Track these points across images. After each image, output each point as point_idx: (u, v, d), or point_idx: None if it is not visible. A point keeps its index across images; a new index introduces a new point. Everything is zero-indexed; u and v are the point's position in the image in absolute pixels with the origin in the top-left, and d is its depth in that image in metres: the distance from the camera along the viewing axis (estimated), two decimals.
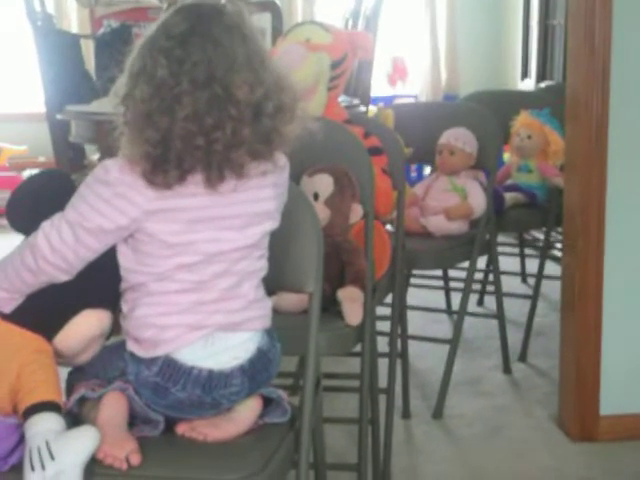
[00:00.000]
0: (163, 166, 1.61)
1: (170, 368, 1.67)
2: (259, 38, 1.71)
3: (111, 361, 1.74)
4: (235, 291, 1.72)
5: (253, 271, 1.75)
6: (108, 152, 3.68)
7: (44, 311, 1.73)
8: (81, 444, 1.56)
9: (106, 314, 1.76)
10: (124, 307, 1.73)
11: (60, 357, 1.75)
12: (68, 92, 4.38)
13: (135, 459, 1.60)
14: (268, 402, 1.80)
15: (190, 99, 1.60)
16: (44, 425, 1.58)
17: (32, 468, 1.53)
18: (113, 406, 1.66)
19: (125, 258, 1.70)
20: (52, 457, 1.53)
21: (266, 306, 1.80)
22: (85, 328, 1.74)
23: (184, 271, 1.67)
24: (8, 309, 1.72)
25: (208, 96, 1.61)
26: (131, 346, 1.70)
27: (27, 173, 6.87)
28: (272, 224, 1.76)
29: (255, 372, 1.73)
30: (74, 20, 7.04)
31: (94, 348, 1.77)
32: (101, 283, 1.75)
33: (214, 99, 1.61)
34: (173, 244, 1.66)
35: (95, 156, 4.80)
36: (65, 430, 1.59)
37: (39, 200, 1.79)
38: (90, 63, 4.84)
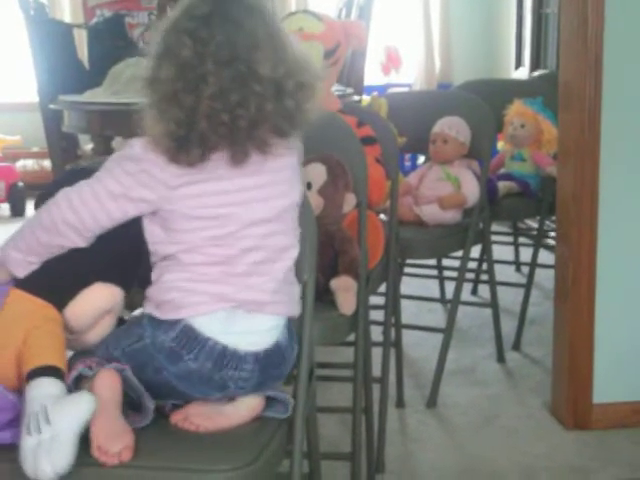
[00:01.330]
0: (187, 145, 1.65)
1: (187, 335, 1.67)
2: (278, 19, 1.76)
3: (128, 332, 1.73)
4: (264, 268, 1.73)
5: (283, 248, 1.76)
6: (101, 141, 3.69)
7: (57, 280, 1.74)
8: (78, 410, 1.56)
9: (118, 291, 1.76)
10: (153, 276, 1.74)
11: (68, 331, 1.75)
12: (61, 82, 4.37)
13: (127, 455, 1.59)
14: (271, 398, 1.79)
15: (215, 78, 1.65)
16: (44, 389, 1.59)
17: (28, 431, 1.54)
18: (107, 387, 1.65)
19: (153, 234, 1.73)
20: (48, 421, 1.53)
21: (294, 292, 1.80)
22: (96, 300, 1.74)
23: (212, 245, 1.70)
24: (21, 272, 1.74)
25: (232, 74, 1.65)
26: (152, 310, 1.70)
27: (21, 163, 6.88)
28: (291, 200, 1.79)
29: (268, 364, 1.73)
30: (67, 9, 7.04)
31: (103, 326, 1.77)
32: (117, 262, 1.76)
33: (238, 77, 1.66)
34: (199, 217, 1.69)
35: (89, 146, 4.80)
36: (64, 396, 1.59)
37: None
38: (83, 52, 4.83)
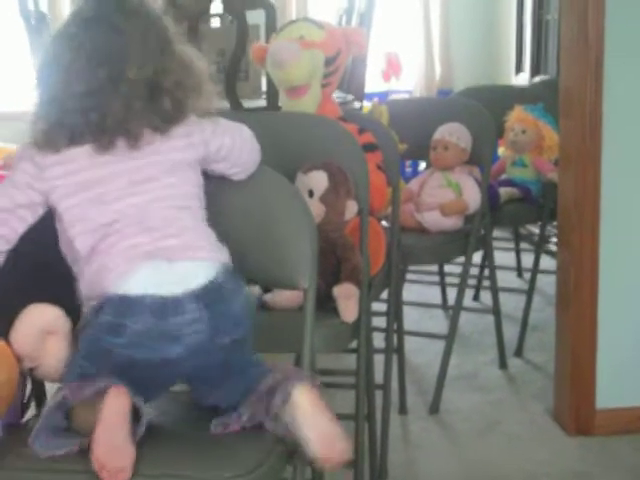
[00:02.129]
0: (54, 137, 1.77)
1: (120, 304, 1.68)
2: (162, 23, 1.86)
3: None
4: (165, 220, 1.77)
5: (178, 198, 1.81)
6: None
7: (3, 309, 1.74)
8: None
9: (51, 309, 1.74)
10: (79, 286, 1.77)
11: (21, 361, 1.74)
12: None
13: (124, 476, 1.57)
14: None
15: (86, 78, 1.76)
16: None
17: None
18: (116, 406, 1.61)
19: (62, 238, 1.80)
20: None
21: (209, 237, 1.81)
22: (30, 321, 1.73)
23: (100, 217, 1.76)
24: None
25: (102, 75, 1.76)
26: (86, 303, 1.74)
27: None
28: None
29: (211, 301, 1.71)
30: None
31: (53, 349, 1.74)
32: (55, 289, 1.77)
33: (108, 78, 1.76)
34: (75, 192, 1.77)
35: None
36: None
37: None
38: None
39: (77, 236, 1.76)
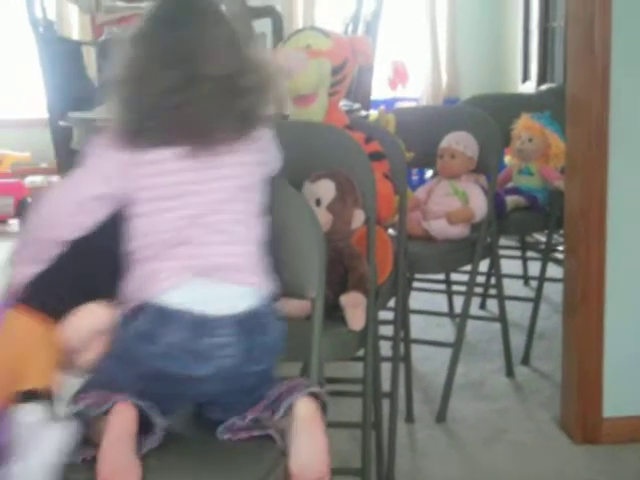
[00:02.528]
0: (136, 138, 1.73)
1: (159, 313, 1.68)
2: (233, 22, 1.83)
3: (109, 347, 1.74)
4: (227, 239, 1.76)
5: (243, 224, 1.79)
6: None
7: (53, 299, 1.75)
8: (52, 441, 1.56)
9: (111, 312, 1.75)
10: (124, 285, 1.76)
11: (62, 352, 1.75)
12: (70, 98, 4.39)
13: None
14: None
15: (162, 77, 1.73)
16: (25, 417, 1.59)
17: (13, 459, 1.55)
18: (121, 420, 1.62)
19: (126, 242, 1.77)
20: (23, 452, 1.54)
21: (261, 266, 1.79)
22: (89, 319, 1.74)
23: (169, 225, 1.74)
24: (20, 277, 1.77)
25: (179, 74, 1.73)
26: (126, 305, 1.73)
27: (30, 179, 6.90)
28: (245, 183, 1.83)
29: (251, 329, 1.71)
30: (75, 27, 7.06)
31: (95, 348, 1.75)
32: (111, 284, 1.76)
33: (185, 77, 1.73)
34: (152, 198, 1.74)
35: None
36: (44, 424, 1.59)
37: None
38: (92, 70, 4.86)
39: (142, 237, 1.74)
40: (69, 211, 1.76)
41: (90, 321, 1.74)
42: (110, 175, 1.74)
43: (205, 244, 1.73)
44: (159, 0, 1.84)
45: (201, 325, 1.67)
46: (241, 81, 1.77)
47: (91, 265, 1.79)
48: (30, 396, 1.62)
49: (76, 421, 1.60)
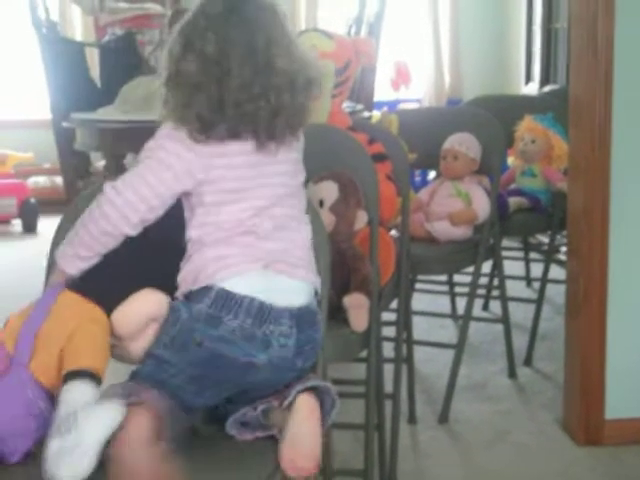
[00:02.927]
0: (211, 130, 1.76)
1: (223, 298, 1.71)
2: (287, 19, 1.87)
3: (165, 326, 1.75)
4: (286, 236, 1.82)
5: (297, 220, 1.86)
6: (113, 159, 3.71)
7: (107, 284, 1.79)
8: (104, 419, 1.57)
9: (162, 297, 1.78)
10: (185, 261, 1.79)
11: (114, 337, 1.77)
12: (73, 99, 4.41)
13: None
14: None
15: (238, 71, 1.76)
16: (76, 394, 1.61)
17: (55, 434, 1.56)
18: (136, 426, 1.60)
19: (191, 217, 1.81)
20: (75, 427, 1.55)
21: (313, 263, 1.87)
22: (142, 306, 1.77)
23: (239, 215, 1.78)
24: (72, 268, 1.81)
25: (253, 68, 1.76)
26: (186, 287, 1.76)
27: (33, 180, 6.91)
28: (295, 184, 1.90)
29: (303, 322, 1.77)
30: (78, 28, 7.08)
31: (147, 337, 1.78)
32: (165, 271, 1.80)
33: (258, 70, 1.77)
34: (227, 190, 1.78)
35: (100, 163, 4.83)
36: (94, 402, 1.60)
37: None
38: (95, 70, 4.87)
39: (206, 225, 1.77)
40: (151, 205, 1.78)
41: (143, 307, 1.77)
42: (192, 169, 1.77)
43: (269, 237, 1.78)
44: None
45: (264, 313, 1.72)
46: (300, 78, 1.81)
47: (145, 255, 1.81)
48: (79, 375, 1.64)
49: (122, 407, 1.60)
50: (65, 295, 1.78)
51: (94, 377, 1.65)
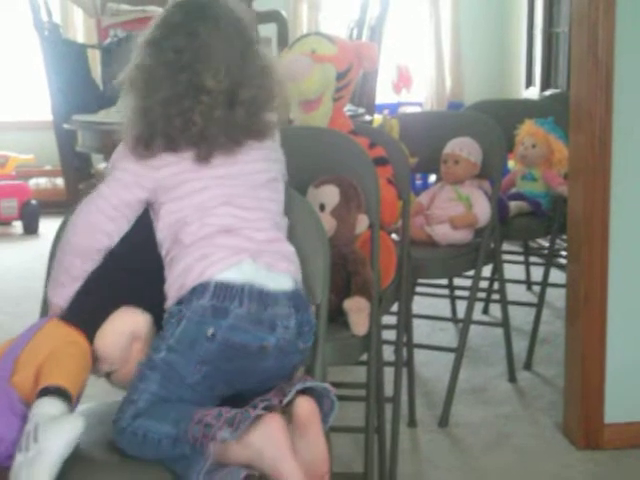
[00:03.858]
0: (150, 143, 1.82)
1: (222, 289, 1.73)
2: (245, 30, 1.89)
3: (162, 333, 1.75)
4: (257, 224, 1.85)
5: (274, 213, 1.89)
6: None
7: (90, 310, 1.81)
8: (64, 431, 1.58)
9: (142, 315, 1.80)
10: (167, 271, 1.81)
11: (99, 361, 1.78)
12: (75, 101, 4.41)
13: None
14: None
15: (168, 84, 1.81)
16: (43, 408, 1.62)
17: (19, 448, 1.58)
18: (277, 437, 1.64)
19: (162, 226, 1.84)
20: (36, 440, 1.57)
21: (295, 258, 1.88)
22: (121, 323, 1.78)
23: (210, 214, 1.82)
24: (58, 299, 1.86)
25: (183, 83, 1.81)
26: (177, 291, 1.77)
27: (34, 181, 6.91)
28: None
29: (299, 305, 1.80)
30: (80, 29, 7.08)
31: (133, 355, 1.78)
32: (142, 290, 1.82)
33: (188, 85, 1.81)
34: (187, 191, 1.83)
35: (102, 165, 4.83)
36: (58, 417, 1.61)
37: None
38: (96, 72, 4.87)
39: (185, 227, 1.80)
40: (109, 216, 1.84)
41: (121, 325, 1.78)
42: (140, 181, 1.83)
43: (246, 229, 1.81)
44: (170, 6, 1.88)
45: (265, 297, 1.75)
46: (242, 93, 1.84)
47: (120, 276, 1.84)
48: (49, 391, 1.65)
49: (83, 419, 1.62)
50: (50, 322, 1.83)
51: (64, 394, 1.65)
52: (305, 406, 1.71)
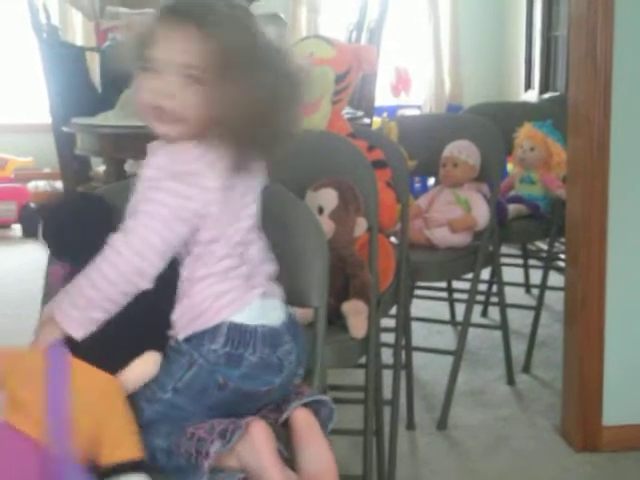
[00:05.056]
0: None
1: (237, 333, 1.65)
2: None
3: (169, 370, 1.65)
4: (255, 257, 1.74)
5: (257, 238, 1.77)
6: (114, 164, 3.71)
7: (108, 348, 1.62)
8: None
9: (160, 356, 1.66)
10: (180, 307, 1.68)
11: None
12: (73, 104, 4.41)
13: None
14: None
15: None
16: None
17: None
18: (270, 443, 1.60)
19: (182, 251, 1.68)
20: None
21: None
22: (148, 370, 1.64)
23: (225, 242, 1.68)
24: (81, 333, 1.58)
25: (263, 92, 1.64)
26: (184, 331, 1.65)
27: (32, 184, 6.92)
28: None
29: (295, 333, 1.74)
30: (79, 32, 7.09)
31: None
32: (157, 326, 1.68)
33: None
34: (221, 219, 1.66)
35: (100, 168, 4.83)
36: None
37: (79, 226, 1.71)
38: (95, 76, 4.87)
39: (208, 254, 1.67)
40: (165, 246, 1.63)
41: (149, 371, 1.64)
42: (193, 211, 1.63)
43: (251, 261, 1.72)
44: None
45: (272, 337, 1.68)
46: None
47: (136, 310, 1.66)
48: (127, 468, 1.52)
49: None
50: (76, 365, 1.56)
51: (140, 465, 1.54)
52: (302, 417, 1.69)
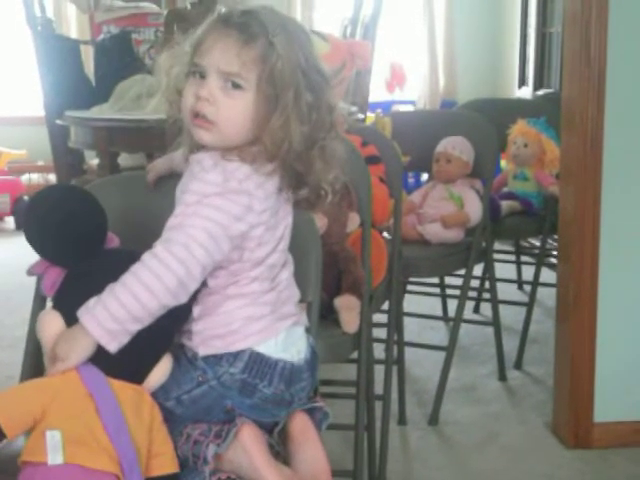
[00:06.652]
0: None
1: (257, 363, 1.60)
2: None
3: (178, 379, 1.62)
4: (288, 282, 1.71)
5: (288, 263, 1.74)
6: (107, 157, 3.71)
7: (134, 362, 1.57)
8: None
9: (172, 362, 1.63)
10: (196, 311, 1.62)
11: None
12: (67, 97, 4.40)
13: None
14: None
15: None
16: None
17: None
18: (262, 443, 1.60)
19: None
20: None
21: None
22: (159, 377, 1.60)
23: (261, 266, 1.64)
24: (114, 347, 1.50)
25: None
26: (203, 346, 1.61)
27: (26, 177, 6.91)
28: None
29: (313, 367, 1.70)
30: (74, 25, 7.08)
31: None
32: (170, 328, 1.62)
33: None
34: (263, 241, 1.63)
35: (94, 161, 4.82)
36: None
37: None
38: (89, 68, 4.86)
39: (244, 274, 1.62)
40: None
41: (164, 374, 1.61)
42: (249, 212, 1.59)
43: (280, 285, 1.68)
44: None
45: (292, 374, 1.65)
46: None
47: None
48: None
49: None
50: (116, 385, 1.52)
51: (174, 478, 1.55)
52: (298, 422, 1.68)
